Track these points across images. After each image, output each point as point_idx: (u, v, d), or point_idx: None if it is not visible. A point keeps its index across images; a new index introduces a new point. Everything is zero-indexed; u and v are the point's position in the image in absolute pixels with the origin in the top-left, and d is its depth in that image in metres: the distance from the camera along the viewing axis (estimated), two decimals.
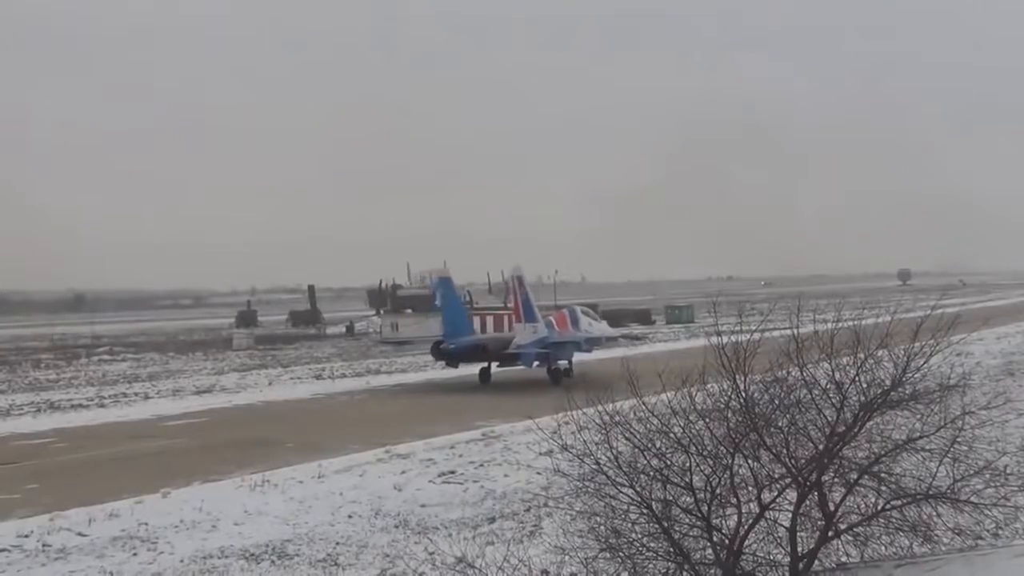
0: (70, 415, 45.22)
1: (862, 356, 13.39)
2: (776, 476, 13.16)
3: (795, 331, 14.13)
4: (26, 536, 21.61)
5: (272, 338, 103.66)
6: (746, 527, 13.02)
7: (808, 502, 13.15)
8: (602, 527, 13.39)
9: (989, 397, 14.12)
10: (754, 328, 14.03)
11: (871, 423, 13.20)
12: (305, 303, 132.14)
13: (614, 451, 13.36)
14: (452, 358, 54.99)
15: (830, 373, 13.45)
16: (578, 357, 54.87)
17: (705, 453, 13.16)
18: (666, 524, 13.02)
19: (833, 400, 13.25)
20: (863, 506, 13.31)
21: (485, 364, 55.20)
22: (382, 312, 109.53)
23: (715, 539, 13.07)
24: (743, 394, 13.25)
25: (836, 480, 13.29)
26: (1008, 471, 13.48)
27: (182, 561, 19.52)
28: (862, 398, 13.11)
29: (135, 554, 20.18)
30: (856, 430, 13.06)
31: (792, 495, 13.14)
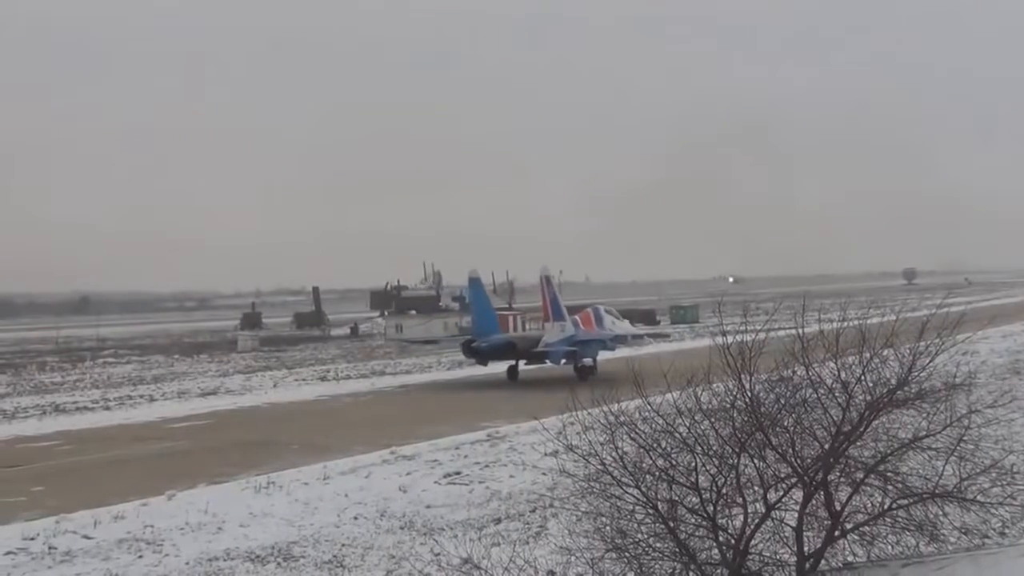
0: (75, 418, 45.25)
1: (868, 355, 13.37)
2: (782, 476, 13.14)
3: (800, 330, 14.10)
4: (32, 539, 21.64)
5: (277, 340, 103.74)
6: (752, 527, 13.00)
7: (814, 502, 13.12)
8: (608, 527, 13.38)
9: (995, 395, 14.14)
10: (759, 328, 14.01)
11: (877, 422, 13.17)
12: (309, 305, 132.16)
13: (619, 451, 13.35)
14: (482, 356, 56.75)
15: (836, 372, 13.43)
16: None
17: (711, 453, 13.14)
18: (672, 524, 13.00)
19: (839, 399, 13.23)
20: (869, 505, 13.29)
21: (513, 362, 56.75)
22: (386, 314, 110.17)
23: (721, 539, 13.05)
24: (748, 394, 13.23)
25: (842, 479, 13.27)
26: (1015, 470, 13.43)
27: (187, 563, 19.53)
28: (868, 397, 13.09)
29: (141, 556, 20.20)
30: (862, 429, 13.04)
31: (798, 495, 13.12)
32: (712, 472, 13.05)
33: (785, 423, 13.20)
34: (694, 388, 13.73)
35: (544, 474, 23.86)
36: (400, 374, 62.90)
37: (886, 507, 13.13)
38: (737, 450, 13.03)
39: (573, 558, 14.13)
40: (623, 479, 13.19)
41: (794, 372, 13.68)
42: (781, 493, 13.13)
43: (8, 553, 20.66)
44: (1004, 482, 13.06)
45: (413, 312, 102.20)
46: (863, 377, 13.21)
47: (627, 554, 13.21)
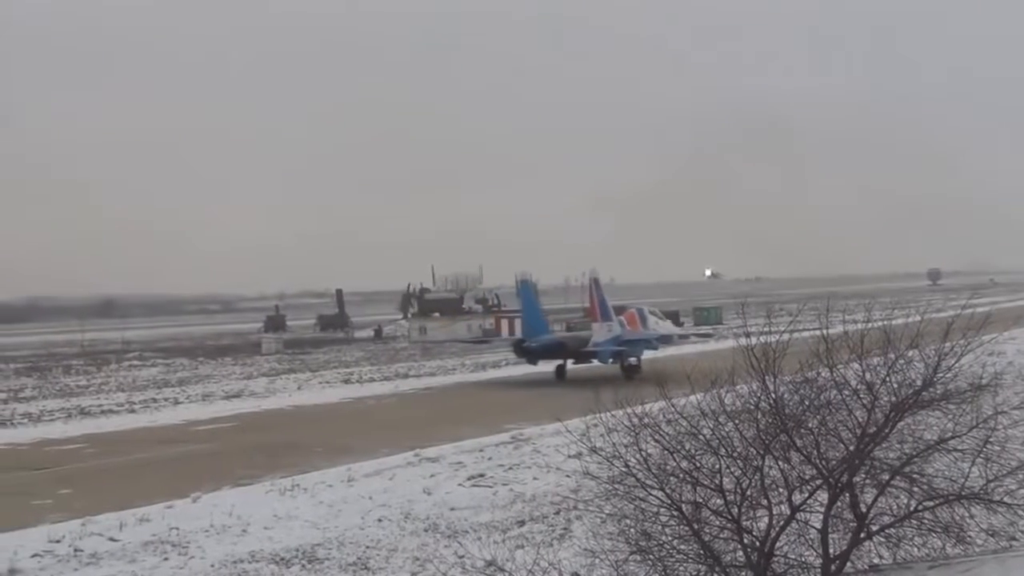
0: (101, 420, 45.55)
1: (892, 356, 13.33)
2: (807, 477, 13.09)
3: (824, 332, 14.06)
4: (58, 541, 21.79)
5: (301, 342, 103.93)
6: (777, 529, 12.95)
7: (839, 503, 13.06)
8: (632, 529, 13.37)
9: (1022, 397, 14.00)
10: (783, 329, 13.97)
11: (902, 423, 13.11)
12: (333, 307, 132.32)
13: (643, 453, 13.33)
14: (533, 356, 58.31)
15: (860, 374, 13.38)
16: None
17: (735, 455, 13.11)
18: (696, 526, 12.98)
19: (864, 400, 13.18)
20: (895, 507, 13.22)
21: (561, 361, 57.98)
22: (409, 316, 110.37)
23: (746, 541, 13.01)
24: (773, 395, 13.19)
25: (867, 481, 13.21)
26: None
27: (213, 566, 19.64)
28: (893, 398, 13.03)
29: (166, 559, 20.32)
30: (887, 431, 12.98)
31: (823, 496, 13.06)
32: (736, 474, 13.02)
33: (810, 424, 13.16)
34: (718, 390, 13.71)
35: (568, 476, 23.84)
36: (424, 376, 63.00)
37: (912, 509, 13.05)
38: (761, 452, 12.99)
39: (597, 560, 14.11)
40: (647, 481, 13.18)
41: (818, 373, 13.64)
42: (806, 495, 13.08)
43: (35, 555, 20.81)
44: None
45: (436, 314, 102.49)
46: (888, 378, 13.15)
47: (651, 556, 13.20)
